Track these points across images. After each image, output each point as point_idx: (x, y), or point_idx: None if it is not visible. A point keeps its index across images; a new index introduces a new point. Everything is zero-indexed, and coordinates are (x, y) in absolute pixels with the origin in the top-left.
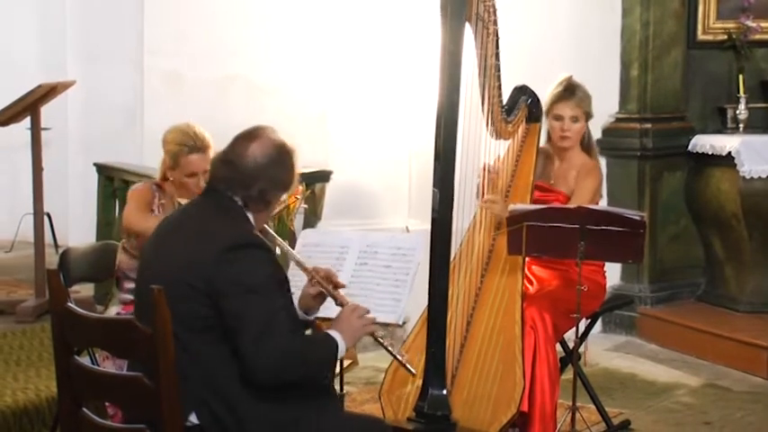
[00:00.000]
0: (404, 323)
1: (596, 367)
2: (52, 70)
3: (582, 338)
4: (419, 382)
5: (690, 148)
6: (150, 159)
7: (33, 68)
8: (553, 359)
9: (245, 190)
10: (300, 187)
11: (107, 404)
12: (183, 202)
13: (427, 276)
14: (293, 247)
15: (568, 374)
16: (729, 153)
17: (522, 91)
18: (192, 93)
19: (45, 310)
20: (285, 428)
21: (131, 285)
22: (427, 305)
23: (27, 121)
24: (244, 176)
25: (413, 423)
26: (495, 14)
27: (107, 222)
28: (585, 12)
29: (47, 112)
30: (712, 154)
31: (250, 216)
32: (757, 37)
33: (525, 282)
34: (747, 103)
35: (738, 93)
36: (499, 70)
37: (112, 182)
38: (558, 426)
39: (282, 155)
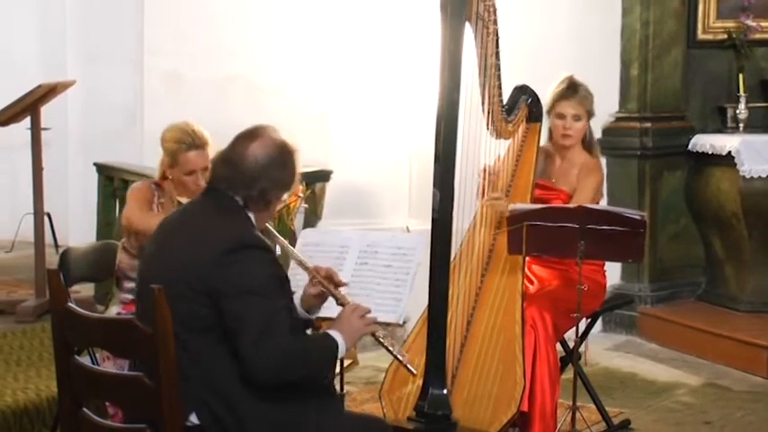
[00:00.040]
0: (404, 323)
1: (596, 367)
2: (52, 70)
3: (582, 338)
4: (419, 381)
5: (690, 147)
6: (150, 159)
7: (33, 68)
8: (553, 359)
9: (245, 190)
10: (301, 187)
11: (107, 404)
12: (183, 200)
13: (427, 276)
14: (294, 247)
15: (568, 374)
16: (729, 152)
17: (523, 90)
18: (191, 93)
19: (45, 310)
20: (285, 428)
21: (131, 285)
22: (427, 305)
23: (27, 121)
24: (245, 176)
25: (413, 423)
26: (495, 14)
27: (107, 222)
28: (585, 11)
29: (47, 112)
30: (712, 153)
31: (251, 216)
32: (757, 36)
33: (525, 281)
34: (747, 102)
35: (738, 92)
36: (499, 70)
37: (112, 182)
38: (559, 425)
39: (284, 154)
